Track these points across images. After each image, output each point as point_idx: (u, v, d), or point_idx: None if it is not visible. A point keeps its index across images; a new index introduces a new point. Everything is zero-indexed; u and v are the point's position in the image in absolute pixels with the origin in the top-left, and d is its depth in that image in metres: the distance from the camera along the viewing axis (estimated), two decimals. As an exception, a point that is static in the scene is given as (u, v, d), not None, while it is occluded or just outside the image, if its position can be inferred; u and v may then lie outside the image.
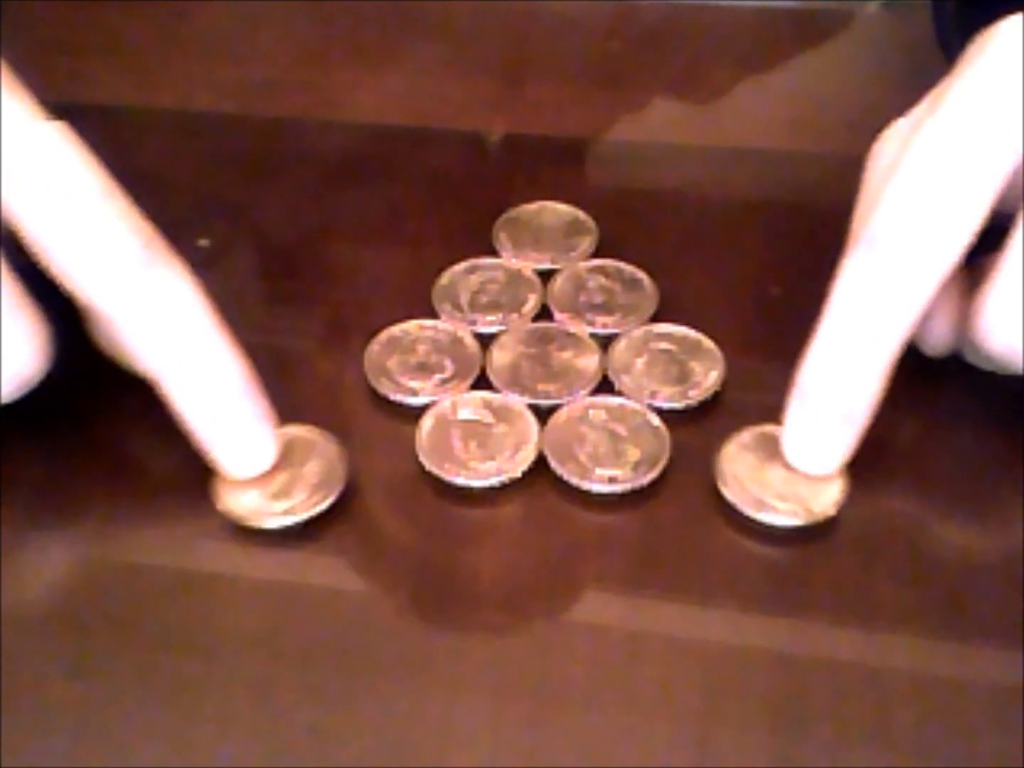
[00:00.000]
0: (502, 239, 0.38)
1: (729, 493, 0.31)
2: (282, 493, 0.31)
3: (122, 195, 0.30)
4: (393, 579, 0.30)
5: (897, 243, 0.29)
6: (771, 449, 0.31)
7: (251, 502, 0.31)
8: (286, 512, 0.30)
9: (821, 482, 0.31)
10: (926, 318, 0.30)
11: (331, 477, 0.31)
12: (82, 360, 0.32)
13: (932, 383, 0.33)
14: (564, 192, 0.40)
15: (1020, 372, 0.30)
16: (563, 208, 0.39)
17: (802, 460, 0.31)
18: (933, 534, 0.31)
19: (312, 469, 0.31)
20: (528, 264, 0.37)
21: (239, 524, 0.30)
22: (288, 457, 0.31)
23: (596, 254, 0.38)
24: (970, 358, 0.32)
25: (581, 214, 0.39)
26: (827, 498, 0.30)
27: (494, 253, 0.38)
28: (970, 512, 0.31)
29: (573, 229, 0.39)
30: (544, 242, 0.38)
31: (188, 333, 0.30)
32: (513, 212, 0.39)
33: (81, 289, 0.29)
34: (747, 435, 0.32)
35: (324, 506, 0.31)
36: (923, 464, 0.32)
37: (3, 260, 0.29)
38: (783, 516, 0.30)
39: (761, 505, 0.30)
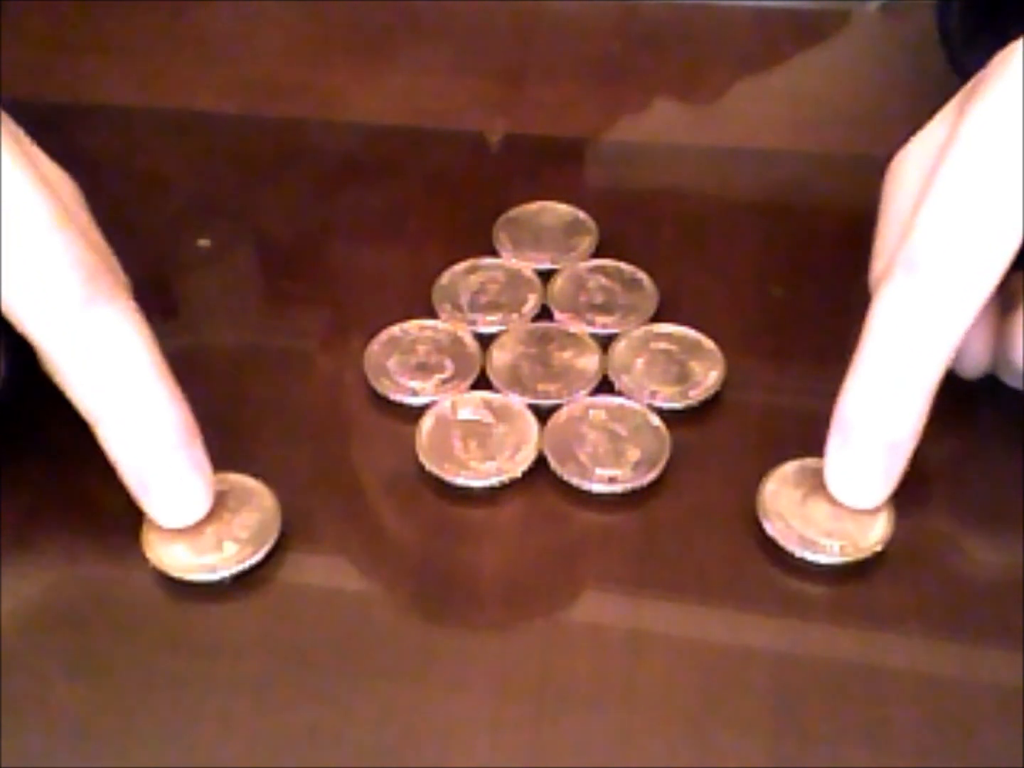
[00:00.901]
0: (502, 239, 0.38)
1: (773, 530, 0.30)
2: (211, 547, 0.30)
3: (71, 222, 0.29)
4: (393, 579, 0.30)
5: (937, 268, 0.28)
6: (813, 483, 0.31)
7: (178, 554, 0.30)
8: (212, 567, 0.29)
9: (867, 516, 0.30)
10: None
11: (263, 531, 0.30)
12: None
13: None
14: (564, 192, 0.40)
15: None
16: (563, 208, 0.39)
17: (848, 495, 0.30)
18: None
19: (244, 522, 0.30)
20: (528, 264, 0.37)
21: (165, 575, 0.30)
22: (222, 507, 0.30)
23: (596, 254, 0.38)
24: (1006, 379, 0.32)
25: (581, 214, 0.39)
26: (874, 534, 0.30)
27: (494, 253, 0.38)
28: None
29: (573, 229, 0.39)
30: (544, 242, 0.38)
31: (125, 377, 0.29)
32: (513, 212, 0.39)
33: (17, 320, 0.28)
34: (788, 468, 0.31)
35: (252, 562, 0.30)
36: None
37: None
38: (831, 555, 0.30)
39: (807, 543, 0.30)
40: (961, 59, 0.38)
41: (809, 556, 0.30)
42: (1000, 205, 0.28)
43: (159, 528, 0.30)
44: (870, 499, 0.30)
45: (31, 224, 0.28)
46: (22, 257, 0.28)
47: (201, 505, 0.30)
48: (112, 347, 0.29)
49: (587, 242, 0.38)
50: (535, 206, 0.39)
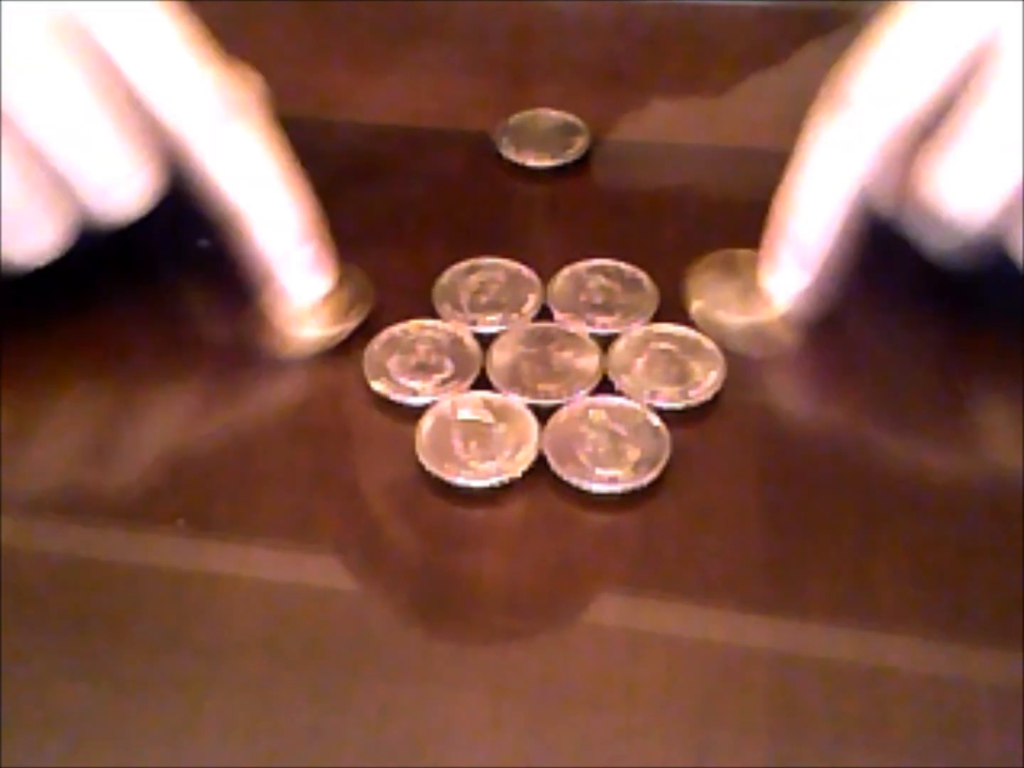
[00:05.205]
0: (504, 142, 0.42)
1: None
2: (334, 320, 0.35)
3: (207, 46, 0.34)
4: (393, 579, 0.30)
5: (861, 104, 0.33)
6: (732, 267, 0.36)
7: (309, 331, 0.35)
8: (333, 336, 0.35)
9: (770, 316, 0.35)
10: (882, 180, 0.34)
11: (362, 297, 0.36)
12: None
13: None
14: (564, 190, 0.40)
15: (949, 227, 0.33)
16: (555, 114, 0.43)
17: (773, 284, 0.35)
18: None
19: (345, 294, 0.36)
20: (529, 162, 0.41)
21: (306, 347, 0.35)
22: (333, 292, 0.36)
23: (597, 254, 0.38)
24: (913, 225, 0.34)
25: (570, 117, 0.42)
26: (772, 310, 0.35)
27: (494, 253, 0.38)
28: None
29: (567, 131, 0.42)
30: (543, 144, 0.42)
31: (257, 183, 0.34)
32: (512, 120, 0.43)
33: (171, 131, 0.33)
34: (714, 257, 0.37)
35: (355, 324, 0.35)
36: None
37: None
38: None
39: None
40: None
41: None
42: (923, 56, 0.33)
43: (287, 318, 0.35)
44: (787, 289, 0.35)
45: (178, 45, 0.34)
46: (171, 74, 0.33)
47: (319, 289, 0.36)
48: (246, 155, 0.34)
49: (581, 141, 0.42)
50: (531, 112, 0.43)
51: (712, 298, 0.36)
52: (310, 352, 0.35)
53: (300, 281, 0.36)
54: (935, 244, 0.34)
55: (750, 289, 0.36)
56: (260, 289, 0.36)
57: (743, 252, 0.36)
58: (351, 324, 0.35)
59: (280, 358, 0.35)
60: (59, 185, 0.33)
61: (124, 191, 0.34)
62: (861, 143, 0.33)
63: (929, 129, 0.33)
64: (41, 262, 0.34)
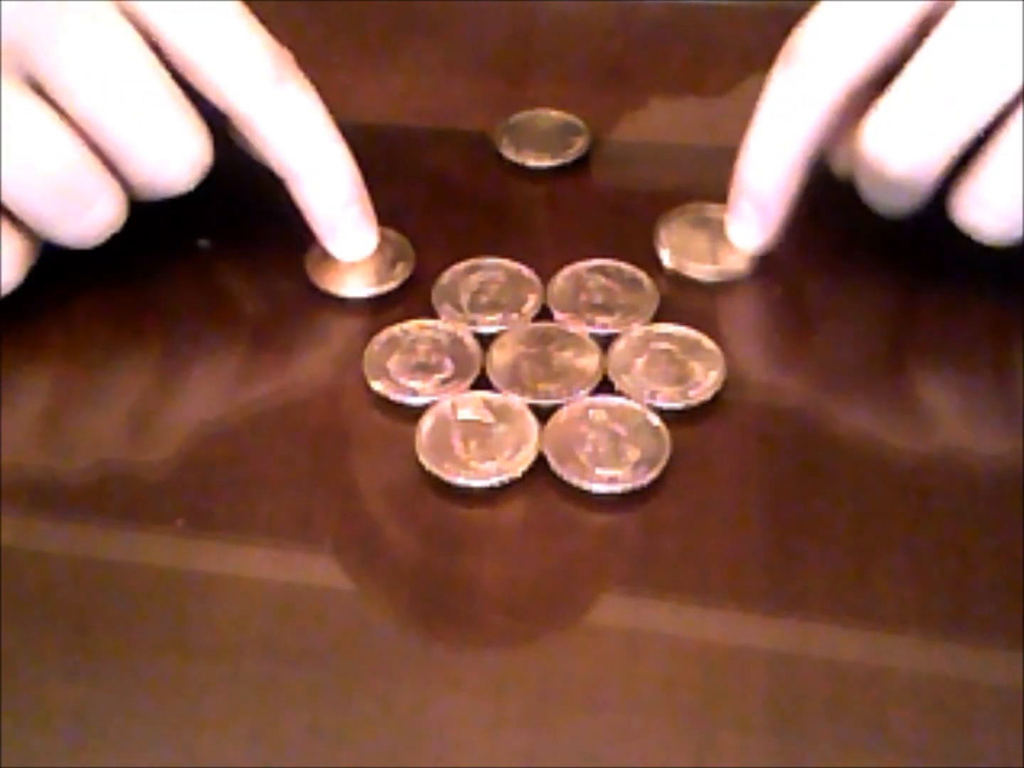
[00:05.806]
0: (504, 142, 0.41)
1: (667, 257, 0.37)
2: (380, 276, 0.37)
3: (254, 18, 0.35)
4: (393, 579, 0.30)
5: (809, 58, 0.34)
6: (702, 222, 0.38)
7: (356, 280, 0.37)
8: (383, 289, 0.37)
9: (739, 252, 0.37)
10: (836, 142, 0.35)
11: (404, 256, 0.37)
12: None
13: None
14: (565, 190, 0.40)
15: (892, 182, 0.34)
16: (555, 114, 0.43)
17: (737, 236, 0.37)
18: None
19: (388, 253, 0.38)
20: (529, 162, 0.41)
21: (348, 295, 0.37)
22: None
23: (597, 254, 0.38)
24: (862, 184, 0.35)
25: (570, 117, 0.42)
26: (739, 256, 0.37)
27: (494, 253, 0.38)
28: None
29: (567, 131, 0.42)
30: (543, 144, 0.42)
31: (310, 143, 0.35)
32: (512, 120, 0.42)
33: (220, 98, 0.34)
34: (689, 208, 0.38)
35: (398, 282, 0.37)
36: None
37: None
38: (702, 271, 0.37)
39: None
40: None
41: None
42: (868, 19, 0.34)
43: (338, 264, 0.37)
44: (751, 241, 0.37)
45: (225, 14, 0.34)
46: (222, 42, 0.34)
47: (371, 243, 0.37)
48: (299, 118, 0.35)
49: (581, 141, 0.41)
50: (531, 112, 0.43)
51: (682, 246, 0.37)
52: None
53: (350, 239, 0.37)
54: (880, 202, 0.35)
55: (719, 239, 0.37)
56: (305, 249, 0.37)
57: (715, 206, 0.38)
58: (396, 282, 0.37)
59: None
60: (117, 160, 0.34)
61: (179, 163, 0.34)
62: (809, 97, 0.34)
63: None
64: (101, 240, 0.35)
